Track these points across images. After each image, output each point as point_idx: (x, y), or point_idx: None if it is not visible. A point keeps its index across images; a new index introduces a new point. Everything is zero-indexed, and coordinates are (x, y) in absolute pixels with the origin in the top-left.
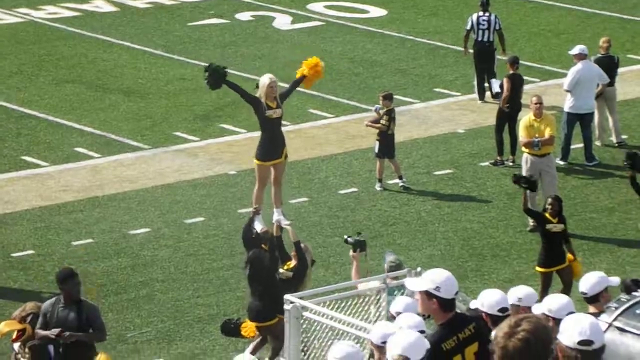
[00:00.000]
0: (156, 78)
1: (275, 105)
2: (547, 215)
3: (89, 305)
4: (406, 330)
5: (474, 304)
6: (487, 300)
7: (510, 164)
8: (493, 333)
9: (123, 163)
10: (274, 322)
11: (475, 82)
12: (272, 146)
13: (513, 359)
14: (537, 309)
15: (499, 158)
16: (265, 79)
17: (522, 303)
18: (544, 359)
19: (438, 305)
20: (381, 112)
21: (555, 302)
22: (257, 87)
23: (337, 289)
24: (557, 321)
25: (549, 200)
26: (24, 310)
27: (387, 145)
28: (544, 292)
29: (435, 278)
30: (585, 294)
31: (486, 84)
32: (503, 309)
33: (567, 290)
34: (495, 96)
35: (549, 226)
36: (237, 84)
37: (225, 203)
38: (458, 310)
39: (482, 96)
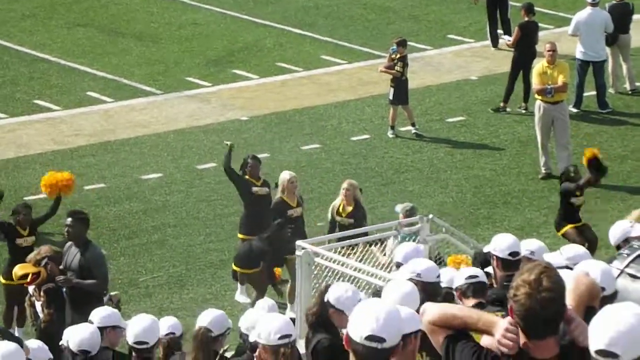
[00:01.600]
0: (169, 22)
1: (295, 204)
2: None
3: (92, 252)
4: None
5: (486, 249)
6: (498, 244)
7: (523, 111)
8: (511, 285)
9: (135, 108)
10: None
11: (488, 29)
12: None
13: (538, 316)
14: (554, 258)
15: (502, 105)
16: (285, 175)
17: (534, 256)
18: (563, 309)
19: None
20: (394, 56)
21: (572, 251)
22: (277, 185)
23: (348, 236)
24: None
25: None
26: (38, 253)
27: (401, 92)
28: None
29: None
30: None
31: (499, 31)
32: (514, 253)
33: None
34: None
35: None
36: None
37: (237, 149)
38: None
39: (495, 43)
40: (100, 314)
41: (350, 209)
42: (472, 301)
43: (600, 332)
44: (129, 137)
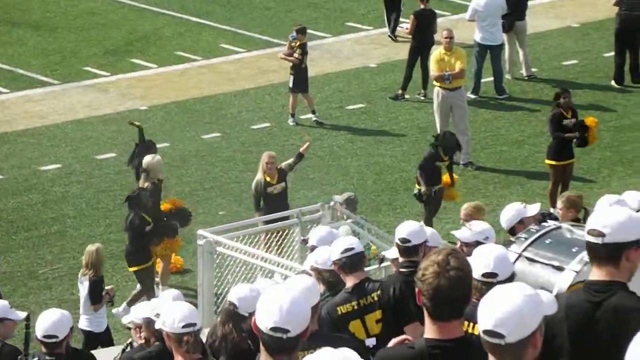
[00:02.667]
0: (65, 12)
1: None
2: (562, 111)
3: None
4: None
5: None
6: (397, 231)
7: (422, 97)
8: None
9: (32, 98)
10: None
11: (385, 17)
12: None
13: (442, 297)
14: (463, 233)
15: (400, 92)
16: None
17: (429, 243)
18: (470, 291)
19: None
20: (294, 44)
21: (480, 226)
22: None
23: (249, 224)
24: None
25: (564, 94)
26: None
27: (300, 79)
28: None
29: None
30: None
31: (401, 19)
32: (403, 240)
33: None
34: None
35: (565, 122)
36: None
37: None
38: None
39: (393, 31)
40: None
41: (276, 177)
42: (352, 277)
43: (487, 313)
44: (26, 127)
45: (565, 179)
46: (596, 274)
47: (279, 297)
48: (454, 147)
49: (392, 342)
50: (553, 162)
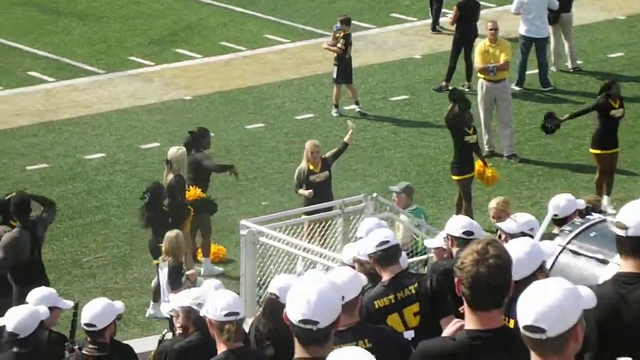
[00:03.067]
0: (110, 1)
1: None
2: (610, 101)
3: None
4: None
5: (429, 242)
6: (453, 223)
7: (466, 89)
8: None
9: (77, 87)
10: None
11: (429, 8)
12: None
13: (481, 286)
14: (508, 225)
15: (444, 84)
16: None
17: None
18: (509, 281)
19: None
20: (338, 35)
21: (525, 217)
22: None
23: (292, 215)
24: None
25: (613, 84)
26: None
27: (344, 70)
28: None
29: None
30: (556, 215)
31: (444, 10)
32: (468, 232)
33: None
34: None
35: (612, 112)
36: None
37: (180, 129)
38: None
39: (434, 26)
40: (37, 295)
41: (320, 165)
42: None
43: (527, 308)
44: (71, 116)
45: (611, 168)
46: (625, 266)
47: (307, 289)
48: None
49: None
50: (598, 151)
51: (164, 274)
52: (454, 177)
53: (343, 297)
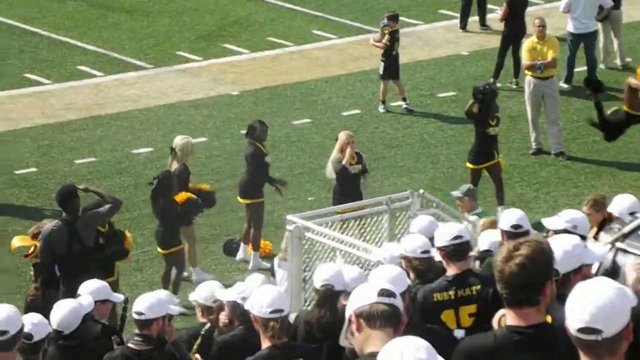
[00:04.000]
0: None
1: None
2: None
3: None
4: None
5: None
6: (504, 218)
7: (514, 86)
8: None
9: (125, 82)
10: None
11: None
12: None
13: (509, 283)
14: (552, 223)
15: (491, 80)
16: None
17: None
18: (543, 281)
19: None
20: (386, 31)
21: (570, 215)
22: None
23: (338, 210)
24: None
25: None
26: (37, 227)
27: (391, 66)
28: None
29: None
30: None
31: (490, 7)
32: (517, 226)
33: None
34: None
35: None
36: None
37: (228, 124)
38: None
39: (482, 21)
40: (89, 288)
41: (355, 157)
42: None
43: (580, 310)
44: (119, 111)
45: None
46: None
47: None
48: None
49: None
50: None
51: (280, 272)
52: (469, 165)
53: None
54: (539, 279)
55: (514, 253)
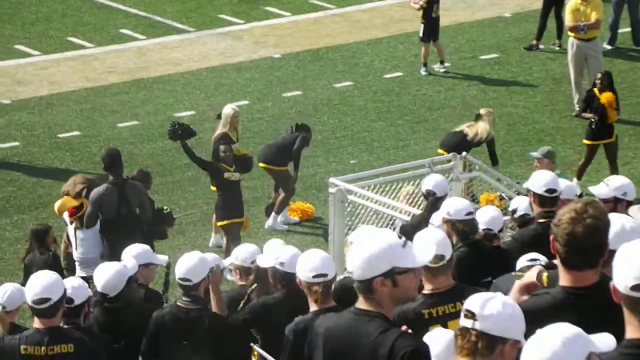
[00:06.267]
0: None
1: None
2: (595, 90)
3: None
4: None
5: (525, 185)
6: (536, 180)
7: (557, 48)
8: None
9: (168, 45)
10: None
11: None
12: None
13: (580, 243)
14: (600, 190)
15: (534, 42)
16: (228, 109)
17: (562, 195)
18: (606, 243)
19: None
20: None
21: (618, 181)
22: (219, 117)
23: (381, 173)
24: (629, 202)
25: (598, 75)
26: (74, 185)
27: (431, 28)
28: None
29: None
30: None
31: None
32: (551, 190)
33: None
34: None
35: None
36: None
37: (269, 87)
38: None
39: None
40: (133, 252)
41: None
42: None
43: (631, 268)
44: (161, 74)
45: None
46: None
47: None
48: None
49: (516, 287)
50: None
51: None
52: (585, 141)
53: (444, 256)
54: (603, 241)
55: (582, 215)
